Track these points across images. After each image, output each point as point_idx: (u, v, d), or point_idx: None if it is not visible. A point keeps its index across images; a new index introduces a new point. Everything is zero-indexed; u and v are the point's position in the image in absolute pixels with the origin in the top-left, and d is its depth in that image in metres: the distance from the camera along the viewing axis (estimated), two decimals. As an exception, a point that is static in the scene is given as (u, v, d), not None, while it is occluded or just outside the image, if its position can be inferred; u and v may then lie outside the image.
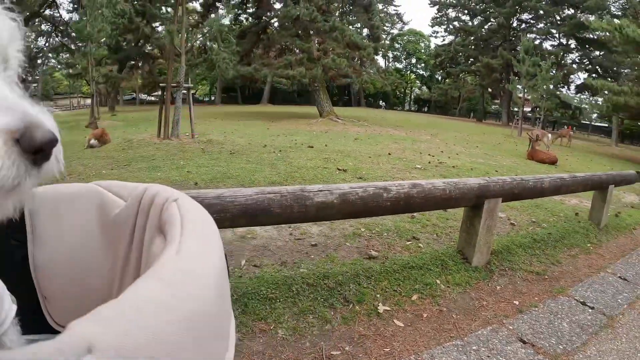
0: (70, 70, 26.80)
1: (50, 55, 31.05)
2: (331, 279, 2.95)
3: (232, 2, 25.02)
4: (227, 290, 0.66)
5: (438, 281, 3.11)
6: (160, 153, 8.71)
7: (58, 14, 28.48)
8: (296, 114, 21.93)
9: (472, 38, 46.00)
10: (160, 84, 12.77)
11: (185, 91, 11.96)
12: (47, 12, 27.55)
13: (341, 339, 2.44)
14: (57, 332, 1.13)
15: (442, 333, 2.54)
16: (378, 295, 2.85)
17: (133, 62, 29.11)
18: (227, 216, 2.37)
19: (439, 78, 56.03)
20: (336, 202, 2.59)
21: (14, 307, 0.89)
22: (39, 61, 30.72)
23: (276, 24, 25.02)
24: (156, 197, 0.96)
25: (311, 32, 22.49)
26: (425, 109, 59.53)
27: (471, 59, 45.51)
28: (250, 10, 26.81)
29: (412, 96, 64.08)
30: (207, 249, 0.66)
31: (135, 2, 22.71)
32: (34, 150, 0.55)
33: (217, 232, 0.75)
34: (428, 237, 4.07)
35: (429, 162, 8.44)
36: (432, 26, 53.10)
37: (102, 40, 20.91)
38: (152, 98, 40.53)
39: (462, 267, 3.37)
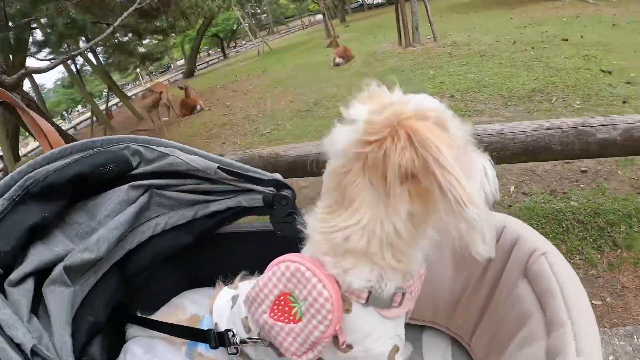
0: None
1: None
2: (602, 217, 2.86)
3: None
4: None
5: None
6: (407, 63, 8.88)
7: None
8: (539, -5, 19.19)
9: None
10: (389, -14, 12.62)
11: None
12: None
13: (604, 288, 2.37)
14: None
15: None
16: (648, 243, 2.62)
17: (353, -32, 29.62)
18: (506, 154, 2.54)
19: None
20: (619, 139, 2.46)
21: None
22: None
23: None
24: (519, 242, 1.09)
25: None
26: None
27: None
28: None
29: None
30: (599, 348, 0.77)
31: None
32: None
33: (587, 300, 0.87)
34: None
35: None
36: None
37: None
38: (379, 0, 40.10)
39: None
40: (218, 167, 1.30)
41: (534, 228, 2.65)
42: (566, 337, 0.79)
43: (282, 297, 0.90)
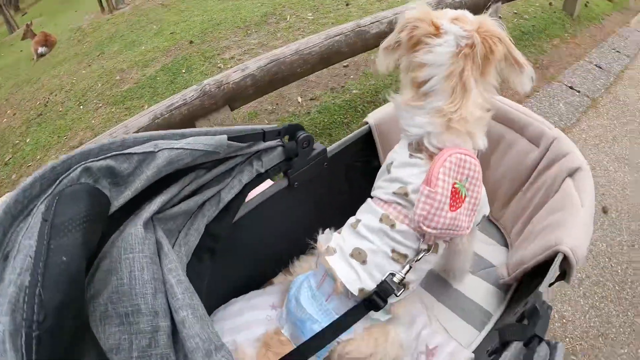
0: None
1: None
2: (381, 93, 3.63)
3: None
4: None
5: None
6: (122, 27, 8.19)
7: None
8: None
9: None
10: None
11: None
12: None
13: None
14: None
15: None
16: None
17: None
18: (308, 67, 2.89)
19: None
20: (387, 31, 3.05)
21: None
22: None
23: None
24: (565, 157, 1.46)
25: None
26: None
27: None
28: None
29: None
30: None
31: None
32: None
33: None
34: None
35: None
36: None
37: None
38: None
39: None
40: (228, 139, 1.04)
41: (339, 120, 3.39)
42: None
43: (453, 190, 1.08)
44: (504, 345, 0.87)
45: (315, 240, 1.30)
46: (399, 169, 1.19)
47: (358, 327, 1.14)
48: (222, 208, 1.15)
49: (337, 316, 1.12)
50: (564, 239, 1.15)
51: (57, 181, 0.73)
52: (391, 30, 2.94)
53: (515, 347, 0.80)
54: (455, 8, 1.37)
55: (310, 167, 1.40)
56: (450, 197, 1.07)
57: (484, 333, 1.46)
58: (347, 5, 5.44)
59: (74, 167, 0.75)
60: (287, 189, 1.39)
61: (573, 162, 1.43)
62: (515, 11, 5.27)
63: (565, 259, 1.13)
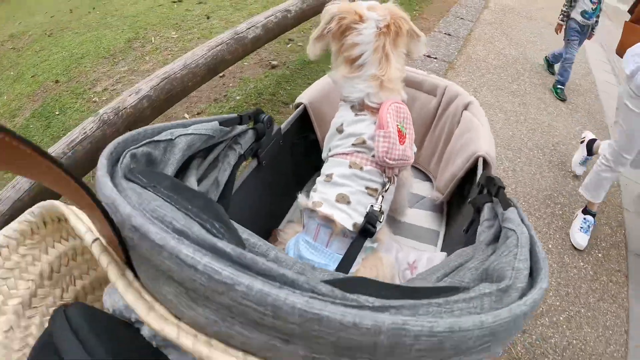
0: None
1: None
2: (265, 91, 4.02)
3: None
4: None
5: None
6: None
7: None
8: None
9: None
10: None
11: None
12: None
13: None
14: None
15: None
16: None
17: None
18: (197, 79, 3.01)
19: None
20: (262, 34, 3.35)
21: None
22: None
23: None
24: (458, 97, 1.87)
25: None
26: None
27: None
28: None
29: None
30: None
31: None
32: None
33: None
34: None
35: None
36: None
37: None
38: None
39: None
40: (219, 123, 1.12)
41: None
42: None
43: (398, 129, 1.38)
44: (478, 211, 1.14)
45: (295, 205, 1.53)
46: (350, 126, 1.47)
47: (358, 260, 1.33)
48: (221, 191, 1.23)
49: (340, 256, 1.30)
50: (479, 147, 1.57)
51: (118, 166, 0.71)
52: (266, 32, 3.24)
53: (488, 208, 1.04)
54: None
55: (272, 145, 1.60)
56: (399, 135, 1.38)
57: (439, 245, 1.82)
58: (207, 18, 5.54)
59: (124, 152, 0.75)
60: (257, 168, 1.56)
61: (464, 99, 1.87)
62: (368, -3, 5.76)
63: (485, 161, 1.54)
